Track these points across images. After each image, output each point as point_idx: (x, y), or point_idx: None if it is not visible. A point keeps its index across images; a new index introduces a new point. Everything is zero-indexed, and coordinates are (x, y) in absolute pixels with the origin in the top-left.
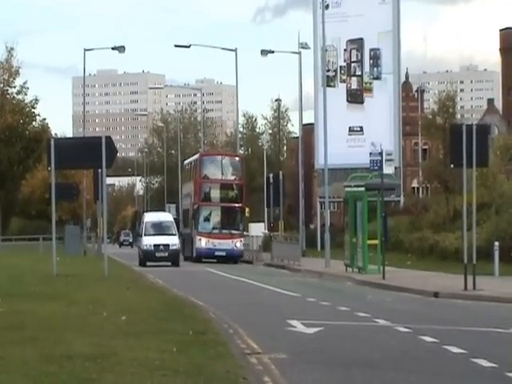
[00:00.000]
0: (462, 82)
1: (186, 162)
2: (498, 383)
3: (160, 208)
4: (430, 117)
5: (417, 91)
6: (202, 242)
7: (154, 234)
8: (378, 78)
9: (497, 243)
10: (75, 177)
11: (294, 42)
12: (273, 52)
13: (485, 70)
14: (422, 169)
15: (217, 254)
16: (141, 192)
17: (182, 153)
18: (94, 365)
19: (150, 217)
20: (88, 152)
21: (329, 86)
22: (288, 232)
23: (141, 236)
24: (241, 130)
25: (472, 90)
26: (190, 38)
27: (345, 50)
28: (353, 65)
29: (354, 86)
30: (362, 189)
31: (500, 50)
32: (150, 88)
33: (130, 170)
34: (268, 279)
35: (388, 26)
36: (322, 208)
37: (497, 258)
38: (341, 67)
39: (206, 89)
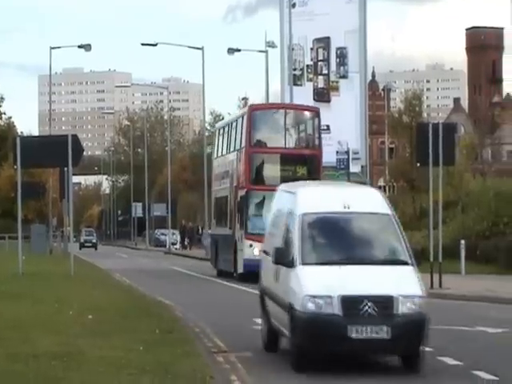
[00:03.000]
0: (428, 81)
1: (219, 124)
2: (464, 381)
3: (125, 207)
4: (397, 115)
5: (383, 90)
6: (255, 250)
7: (334, 262)
8: (344, 76)
9: (463, 242)
10: (41, 175)
11: (263, 40)
12: (239, 50)
13: (451, 69)
14: (389, 167)
15: None
16: (107, 190)
17: (148, 151)
18: (60, 363)
19: (315, 199)
20: (54, 150)
21: (296, 84)
22: None
23: (287, 263)
24: (208, 128)
25: (438, 88)
26: (159, 37)
27: (311, 48)
28: (319, 64)
29: (321, 84)
30: None
31: (466, 49)
32: (117, 86)
33: (96, 168)
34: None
35: (355, 24)
36: None
37: (463, 257)
38: (307, 66)
39: (172, 87)
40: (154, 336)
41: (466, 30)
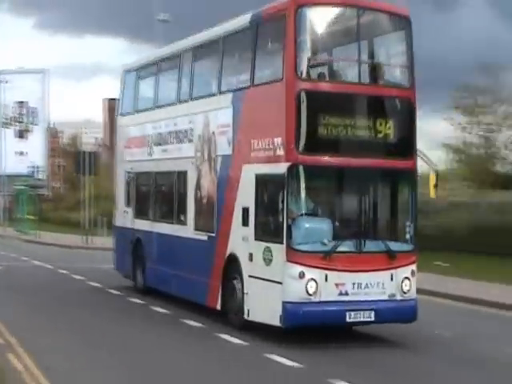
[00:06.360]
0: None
1: (157, 53)
2: (174, 326)
3: None
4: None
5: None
6: (310, 285)
7: None
8: (36, 124)
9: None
10: None
11: None
12: None
13: None
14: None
15: (352, 318)
16: None
17: None
18: None
19: None
20: None
21: (6, 127)
22: None
23: None
24: None
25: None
26: None
27: (14, 107)
28: (22, 116)
29: (21, 128)
30: (25, 187)
31: None
32: None
33: None
34: None
35: (39, 94)
36: (4, 198)
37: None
38: (12, 117)
39: None
40: None
41: None
